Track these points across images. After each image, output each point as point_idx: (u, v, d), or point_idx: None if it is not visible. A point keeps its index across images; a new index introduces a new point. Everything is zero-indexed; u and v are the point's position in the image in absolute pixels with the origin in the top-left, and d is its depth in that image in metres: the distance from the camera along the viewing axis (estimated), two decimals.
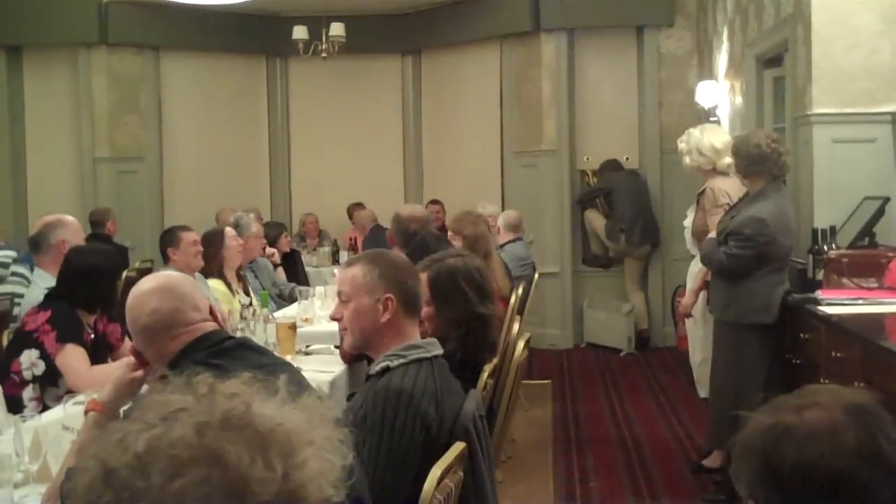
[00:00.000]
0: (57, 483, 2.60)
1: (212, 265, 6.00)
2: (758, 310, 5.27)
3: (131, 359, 2.83)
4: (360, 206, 10.57)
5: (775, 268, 5.27)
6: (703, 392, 6.79)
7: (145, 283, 2.81)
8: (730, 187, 6.03)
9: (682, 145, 6.28)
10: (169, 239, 5.81)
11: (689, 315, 6.70)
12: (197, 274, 5.80)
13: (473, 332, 3.76)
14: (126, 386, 2.79)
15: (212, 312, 2.83)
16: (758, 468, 1.61)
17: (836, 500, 1.55)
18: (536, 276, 7.71)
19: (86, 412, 2.79)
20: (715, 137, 6.11)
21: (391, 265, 2.97)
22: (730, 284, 5.36)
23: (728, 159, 5.95)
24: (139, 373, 2.79)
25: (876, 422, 1.59)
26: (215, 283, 5.94)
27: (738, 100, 8.01)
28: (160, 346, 2.72)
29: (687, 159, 6.21)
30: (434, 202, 10.31)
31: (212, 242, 6.08)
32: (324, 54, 9.81)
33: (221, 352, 2.71)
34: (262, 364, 2.68)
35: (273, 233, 8.15)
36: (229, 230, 6.29)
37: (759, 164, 5.28)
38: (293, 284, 7.43)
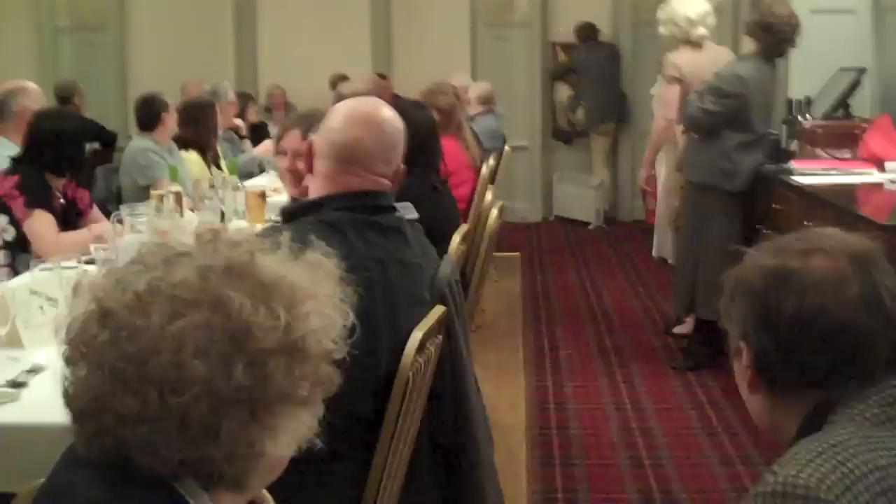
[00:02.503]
0: None
1: (197, 136, 5.90)
2: (724, 174, 5.24)
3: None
4: (344, 77, 10.32)
5: (750, 139, 5.23)
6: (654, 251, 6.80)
7: (375, 109, 2.58)
8: (686, 60, 5.90)
9: (660, 13, 6.19)
10: (163, 104, 5.70)
11: (647, 189, 6.71)
12: (171, 143, 5.72)
13: None
14: None
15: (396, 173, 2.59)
16: (754, 310, 1.58)
17: (832, 350, 1.53)
18: (507, 149, 7.65)
19: None
20: (690, 7, 6.00)
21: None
22: (701, 144, 5.34)
23: (702, 30, 5.88)
24: None
25: (880, 274, 1.55)
26: (190, 155, 5.85)
27: None
28: (333, 171, 2.51)
29: (662, 28, 6.12)
30: (381, 76, 10.16)
31: (201, 113, 5.97)
32: None
33: (377, 226, 2.50)
34: (406, 261, 2.53)
35: (240, 104, 8.00)
36: (229, 100, 6.20)
37: (762, 28, 5.17)
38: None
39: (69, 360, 1.14)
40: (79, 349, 1.13)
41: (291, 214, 2.57)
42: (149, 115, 5.70)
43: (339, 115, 2.58)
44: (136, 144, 5.68)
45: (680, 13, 5.98)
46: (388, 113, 2.61)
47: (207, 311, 1.10)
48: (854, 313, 1.51)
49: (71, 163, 4.29)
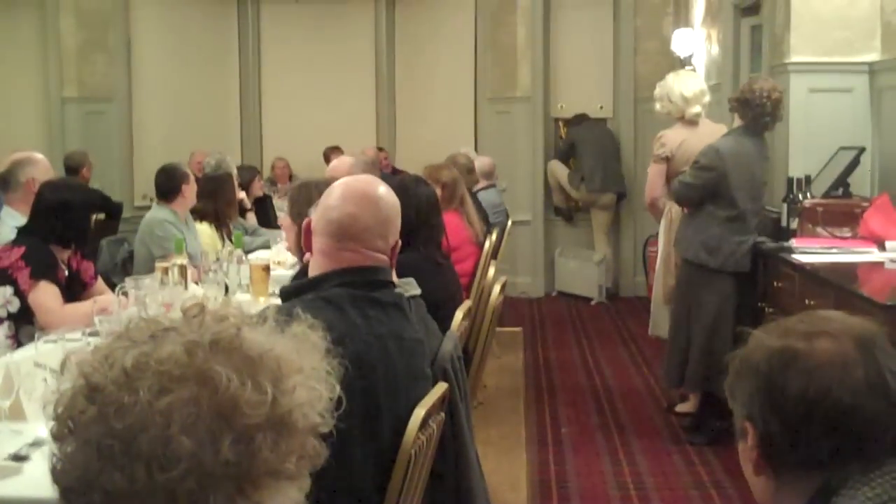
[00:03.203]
0: None
1: (214, 209, 5.94)
2: (707, 251, 5.31)
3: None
4: (337, 149, 10.41)
5: (733, 215, 5.28)
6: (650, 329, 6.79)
7: (369, 186, 2.62)
8: (675, 139, 5.97)
9: (657, 90, 6.27)
10: (184, 175, 5.74)
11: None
12: (188, 215, 5.76)
13: None
14: None
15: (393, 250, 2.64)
16: (759, 391, 1.58)
17: (837, 433, 1.53)
18: (510, 223, 7.69)
19: None
20: (686, 85, 6.08)
21: None
22: (689, 220, 5.44)
23: (697, 108, 5.96)
24: None
25: (885, 357, 1.57)
26: (203, 227, 5.88)
27: (715, 48, 7.98)
28: (330, 247, 2.55)
29: (658, 105, 6.20)
30: (380, 149, 10.27)
31: (218, 186, 6.02)
32: None
33: (376, 302, 2.52)
34: (405, 336, 2.53)
35: (246, 177, 8.05)
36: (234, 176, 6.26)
37: (740, 104, 5.32)
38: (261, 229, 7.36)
39: (56, 437, 1.14)
40: (66, 425, 1.12)
41: (290, 294, 2.59)
42: (168, 185, 5.73)
43: (336, 193, 2.61)
44: (155, 215, 5.70)
45: (675, 91, 6.05)
46: (383, 189, 2.65)
47: (195, 386, 1.10)
48: (859, 396, 1.53)
49: (77, 234, 4.31)
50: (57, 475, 1.14)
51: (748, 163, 5.31)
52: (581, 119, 10.07)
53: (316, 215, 2.62)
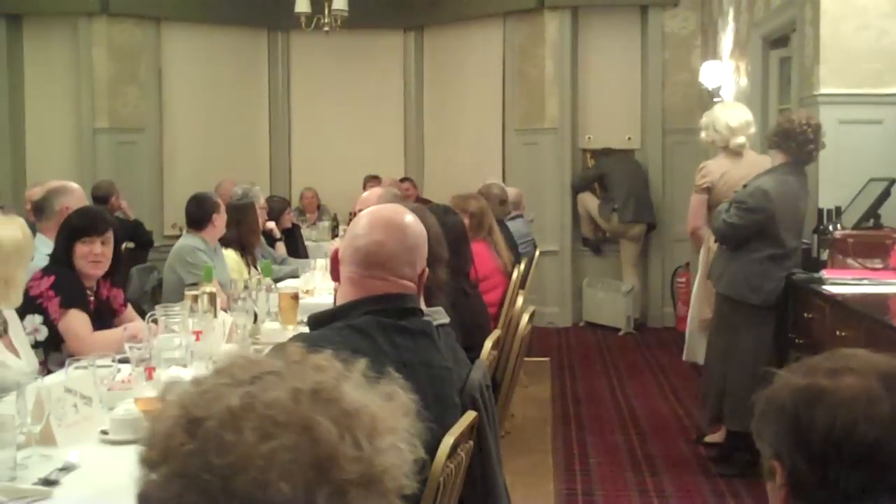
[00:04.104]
0: None
1: (238, 236, 5.99)
2: (751, 288, 5.26)
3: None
4: (376, 178, 10.44)
5: (778, 254, 5.24)
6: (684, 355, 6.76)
7: (396, 214, 2.63)
8: (717, 170, 5.99)
9: (703, 119, 6.27)
10: (215, 204, 5.80)
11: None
12: (217, 243, 5.81)
13: None
14: None
15: (421, 277, 2.64)
16: (786, 429, 1.58)
17: (864, 467, 1.53)
18: (537, 253, 7.69)
19: None
20: (732, 116, 6.05)
21: None
22: (730, 256, 5.37)
23: (742, 139, 5.95)
24: None
25: None
26: (230, 254, 5.93)
27: (743, 80, 7.97)
28: (358, 275, 2.54)
29: (703, 133, 6.20)
30: (405, 179, 10.29)
31: (241, 214, 6.07)
32: (326, 28, 9.73)
33: (404, 330, 2.52)
34: (434, 364, 2.54)
35: (277, 208, 8.11)
36: (260, 204, 6.31)
37: (781, 137, 5.27)
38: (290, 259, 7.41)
39: (147, 462, 1.13)
40: (161, 454, 1.12)
41: (319, 322, 2.60)
42: (199, 214, 5.78)
43: (362, 222, 2.62)
44: (186, 242, 5.75)
45: (721, 121, 6.04)
46: (409, 217, 2.66)
47: (296, 434, 1.10)
48: (886, 430, 1.52)
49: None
50: (147, 500, 1.14)
51: (794, 201, 5.28)
52: (609, 150, 10.09)
53: (343, 244, 2.64)
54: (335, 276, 2.68)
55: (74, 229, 4.27)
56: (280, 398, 1.12)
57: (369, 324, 2.49)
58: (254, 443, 1.09)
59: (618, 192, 9.70)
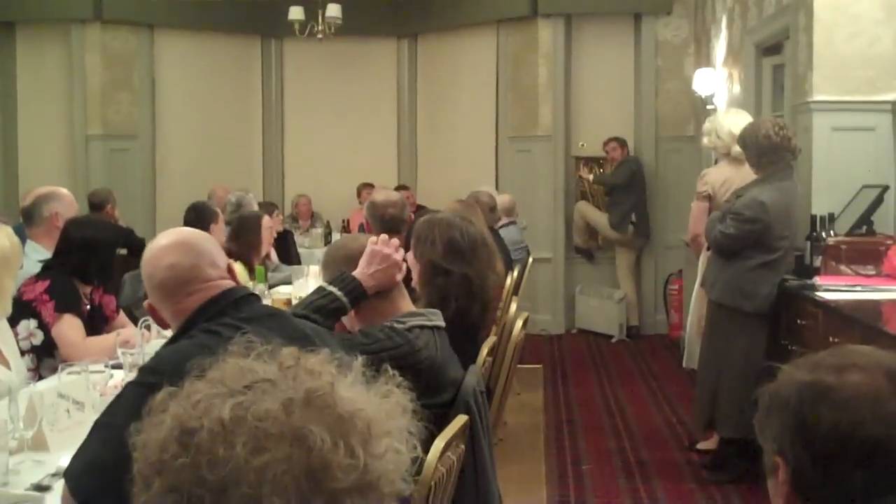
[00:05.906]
0: None
1: (243, 249, 5.98)
2: (743, 295, 5.26)
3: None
4: (369, 186, 10.45)
5: (770, 260, 5.25)
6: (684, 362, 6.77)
7: (163, 239, 2.61)
8: (718, 177, 6.01)
9: (706, 125, 6.28)
10: (214, 214, 5.77)
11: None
12: None
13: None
14: None
15: (230, 270, 2.64)
16: (790, 426, 1.57)
17: (869, 466, 1.51)
18: (530, 260, 7.69)
19: None
20: (734, 122, 6.04)
21: None
22: (723, 263, 5.37)
23: None
24: None
25: None
26: (237, 266, 5.90)
27: (736, 88, 7.99)
28: (177, 303, 2.51)
29: (705, 139, 6.22)
30: (403, 187, 10.29)
31: (250, 229, 6.06)
32: (319, 35, 9.75)
33: (249, 318, 2.46)
34: (296, 335, 2.45)
35: (265, 212, 8.08)
36: (266, 219, 6.28)
37: (773, 153, 5.24)
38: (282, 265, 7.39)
39: (142, 475, 1.13)
40: (154, 467, 1.12)
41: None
42: (198, 223, 5.75)
43: (147, 265, 2.56)
44: None
45: (724, 127, 6.05)
46: (182, 231, 2.67)
47: (289, 446, 1.09)
48: (892, 428, 1.51)
49: (100, 271, 4.37)
50: None
51: (788, 209, 5.28)
52: (626, 160, 9.97)
53: (147, 292, 2.59)
54: (162, 324, 2.64)
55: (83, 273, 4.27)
56: (272, 410, 1.12)
57: (214, 327, 2.42)
58: (246, 457, 1.08)
59: (632, 204, 9.67)
